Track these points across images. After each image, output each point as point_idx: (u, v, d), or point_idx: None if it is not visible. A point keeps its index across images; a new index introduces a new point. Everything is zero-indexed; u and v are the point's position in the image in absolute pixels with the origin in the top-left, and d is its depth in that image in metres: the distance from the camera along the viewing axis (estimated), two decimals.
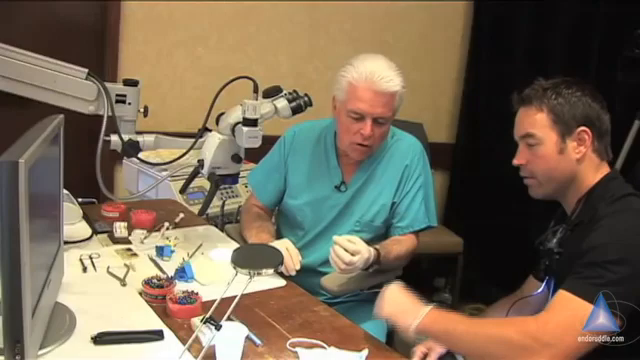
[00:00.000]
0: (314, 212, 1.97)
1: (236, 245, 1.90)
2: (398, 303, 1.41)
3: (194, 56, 3.11)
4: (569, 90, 1.43)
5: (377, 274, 1.91)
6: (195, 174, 1.91)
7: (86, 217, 1.97)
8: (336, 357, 1.34)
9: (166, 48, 3.05)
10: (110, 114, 1.71)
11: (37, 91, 1.64)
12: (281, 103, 1.82)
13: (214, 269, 1.69)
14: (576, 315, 1.23)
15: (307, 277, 1.80)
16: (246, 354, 1.30)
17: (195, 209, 2.27)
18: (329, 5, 3.35)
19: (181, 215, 2.10)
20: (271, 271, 1.33)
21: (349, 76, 1.79)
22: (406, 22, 3.59)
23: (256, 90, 1.74)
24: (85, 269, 1.65)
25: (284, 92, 1.84)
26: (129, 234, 1.90)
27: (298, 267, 1.75)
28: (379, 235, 1.95)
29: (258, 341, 1.36)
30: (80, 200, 2.01)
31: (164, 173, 2.42)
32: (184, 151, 1.86)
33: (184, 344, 1.28)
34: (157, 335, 1.33)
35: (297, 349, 1.34)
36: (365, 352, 1.35)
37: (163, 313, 1.44)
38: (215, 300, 1.26)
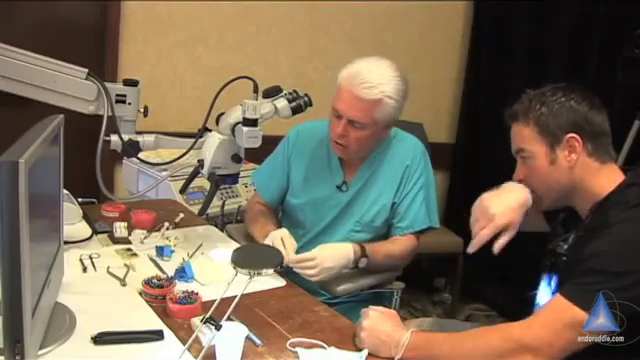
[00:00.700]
0: (315, 211, 1.98)
1: (236, 245, 1.90)
2: (377, 334, 1.37)
3: (194, 56, 3.11)
4: (553, 97, 1.40)
5: (377, 274, 1.92)
6: (195, 174, 1.91)
7: (86, 217, 1.97)
8: (336, 357, 1.34)
9: (166, 48, 3.05)
10: (110, 114, 1.71)
11: (37, 91, 1.64)
12: (281, 103, 1.82)
13: (214, 269, 1.69)
14: (561, 317, 1.23)
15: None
16: (246, 354, 1.30)
17: (195, 209, 2.27)
18: (329, 5, 3.35)
19: (181, 215, 2.10)
20: (271, 271, 1.33)
21: (341, 73, 1.82)
22: (406, 22, 3.59)
23: (256, 90, 1.74)
24: (85, 269, 1.65)
25: (284, 92, 1.84)
26: (129, 234, 1.90)
27: (292, 255, 1.75)
28: (380, 236, 1.95)
29: (258, 341, 1.36)
30: (80, 200, 2.01)
31: (164, 173, 2.42)
32: (184, 151, 1.86)
33: (184, 344, 1.28)
34: (157, 335, 1.33)
35: (297, 349, 1.34)
36: (365, 352, 1.35)
37: (163, 313, 1.44)
38: (215, 300, 1.26)
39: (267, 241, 1.80)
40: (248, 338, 1.33)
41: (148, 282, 1.52)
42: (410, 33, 3.61)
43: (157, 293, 1.49)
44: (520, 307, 1.52)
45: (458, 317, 3.45)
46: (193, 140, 1.84)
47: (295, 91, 1.86)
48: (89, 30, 2.97)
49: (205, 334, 1.27)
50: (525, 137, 1.42)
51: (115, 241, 1.86)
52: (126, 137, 1.75)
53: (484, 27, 3.63)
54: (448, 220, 3.57)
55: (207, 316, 1.21)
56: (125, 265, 1.69)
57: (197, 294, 1.48)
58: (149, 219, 1.99)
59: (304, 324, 1.48)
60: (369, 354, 1.35)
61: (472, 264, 3.37)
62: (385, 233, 1.97)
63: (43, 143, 1.14)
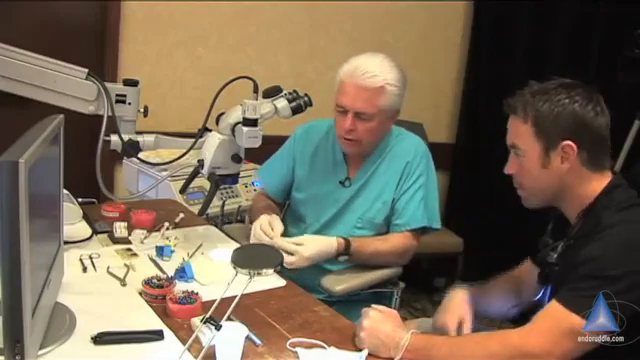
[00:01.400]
0: (316, 206, 1.99)
1: (236, 245, 1.89)
2: (376, 334, 1.36)
3: (194, 56, 3.11)
4: (557, 97, 1.34)
5: (377, 274, 1.91)
6: (195, 174, 1.91)
7: (86, 217, 1.97)
8: (336, 357, 1.34)
9: (166, 48, 3.05)
10: (110, 114, 1.71)
11: (37, 91, 1.64)
12: (281, 103, 1.82)
13: (214, 269, 1.69)
14: (559, 325, 1.23)
15: (308, 272, 1.80)
16: (246, 354, 1.30)
17: (195, 209, 2.27)
18: (329, 5, 3.35)
19: (181, 215, 2.10)
20: (271, 271, 1.33)
21: (340, 71, 1.85)
22: (406, 22, 3.59)
23: (256, 90, 1.74)
24: (85, 269, 1.65)
25: (284, 92, 1.84)
26: (129, 234, 1.90)
27: (277, 239, 1.77)
28: (381, 234, 1.96)
29: (258, 341, 1.36)
30: (80, 200, 2.01)
31: (164, 173, 2.42)
32: (184, 151, 1.86)
33: (184, 344, 1.28)
34: (157, 335, 1.33)
35: (297, 349, 1.34)
36: (365, 352, 1.35)
37: (163, 313, 1.44)
38: (215, 300, 1.26)
39: (256, 223, 1.84)
40: (248, 338, 1.33)
41: (148, 282, 1.52)
42: (410, 33, 3.61)
43: (157, 293, 1.49)
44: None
45: None
46: (193, 140, 1.84)
47: (295, 91, 1.86)
48: (89, 30, 2.97)
49: (205, 334, 1.27)
50: (521, 134, 1.39)
51: (115, 241, 1.86)
52: (126, 137, 1.75)
53: (484, 27, 3.63)
54: (448, 220, 3.56)
55: (207, 316, 1.21)
56: (125, 265, 1.69)
57: (197, 294, 1.48)
58: (149, 219, 1.99)
59: (304, 324, 1.48)
60: (369, 354, 1.35)
61: (472, 264, 3.37)
62: (386, 231, 1.97)
63: (43, 143, 1.14)
